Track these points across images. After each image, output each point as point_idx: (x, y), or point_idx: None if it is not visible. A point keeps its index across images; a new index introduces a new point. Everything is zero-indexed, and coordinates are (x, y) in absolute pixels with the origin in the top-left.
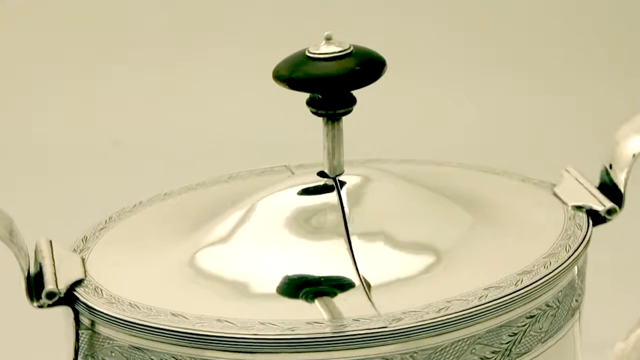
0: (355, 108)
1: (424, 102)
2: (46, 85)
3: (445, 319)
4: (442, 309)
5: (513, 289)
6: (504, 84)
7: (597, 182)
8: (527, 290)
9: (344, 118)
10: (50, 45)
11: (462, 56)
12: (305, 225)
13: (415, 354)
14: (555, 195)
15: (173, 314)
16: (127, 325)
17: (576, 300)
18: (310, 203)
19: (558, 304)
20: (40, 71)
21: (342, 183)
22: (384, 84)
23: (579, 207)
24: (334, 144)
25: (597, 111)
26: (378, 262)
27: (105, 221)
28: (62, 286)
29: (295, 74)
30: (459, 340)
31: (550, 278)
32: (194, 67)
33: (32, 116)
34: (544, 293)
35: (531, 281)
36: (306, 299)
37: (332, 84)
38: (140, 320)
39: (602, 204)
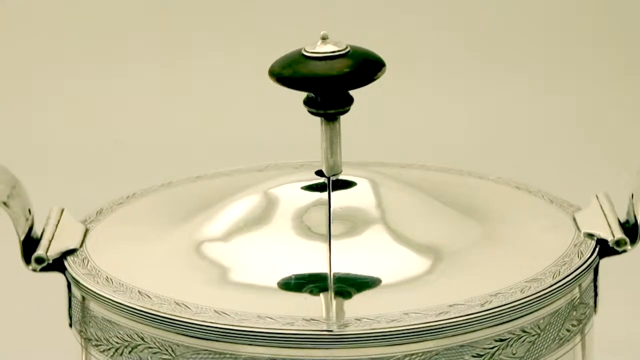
0: (361, 109)
1: (425, 102)
2: (46, 85)
3: (395, 331)
4: (394, 320)
5: (478, 309)
6: (503, 84)
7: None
8: (492, 313)
9: (347, 119)
10: (50, 45)
11: (463, 56)
12: (290, 222)
13: None
14: (574, 220)
15: (140, 292)
16: (96, 297)
17: (567, 330)
18: (299, 200)
19: (538, 331)
20: (40, 71)
21: (336, 183)
22: (386, 84)
23: (590, 235)
24: (331, 143)
25: (597, 111)
26: (354, 264)
27: (127, 196)
28: (52, 253)
29: (289, 72)
30: (412, 354)
31: (522, 304)
32: (194, 67)
33: (32, 116)
34: (518, 318)
35: (499, 304)
36: (275, 293)
37: (325, 84)
38: (105, 293)
39: (612, 234)
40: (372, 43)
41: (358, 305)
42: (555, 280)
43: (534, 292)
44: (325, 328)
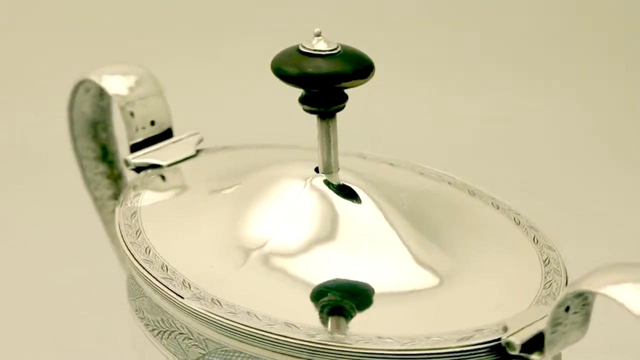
0: (367, 109)
1: (427, 102)
2: (47, 84)
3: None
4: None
5: None
6: (502, 84)
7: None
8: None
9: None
10: (51, 46)
11: (462, 56)
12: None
13: None
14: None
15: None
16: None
17: None
18: (276, 194)
19: None
20: (40, 71)
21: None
22: (391, 84)
23: (505, 329)
24: (326, 141)
25: (597, 110)
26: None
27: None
28: (138, 160)
29: (297, 70)
30: None
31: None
32: (194, 68)
33: (33, 116)
34: None
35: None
36: None
37: (329, 81)
38: (119, 218)
39: (513, 335)
40: (372, 42)
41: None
42: (399, 347)
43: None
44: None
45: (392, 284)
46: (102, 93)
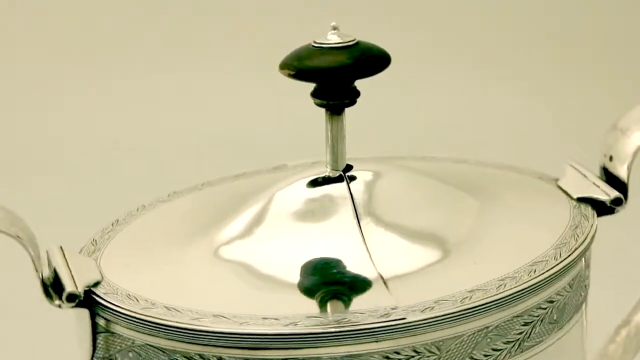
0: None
1: (426, 100)
2: (47, 85)
3: (469, 309)
4: (465, 298)
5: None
6: (502, 84)
7: (597, 173)
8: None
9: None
10: (51, 46)
11: (464, 55)
12: (316, 217)
13: (440, 344)
14: (560, 188)
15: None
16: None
17: (582, 293)
18: (320, 195)
19: (569, 291)
20: (41, 71)
21: (351, 176)
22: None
23: (583, 199)
24: (335, 136)
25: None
26: (391, 253)
27: (112, 224)
28: (81, 288)
29: (301, 63)
30: (479, 330)
31: (563, 267)
32: (194, 67)
33: (32, 116)
34: (557, 282)
35: (545, 269)
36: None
37: (323, 74)
38: (159, 319)
39: (607, 194)
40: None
41: (414, 292)
42: (579, 243)
43: (567, 255)
44: (399, 317)
45: None
46: None
